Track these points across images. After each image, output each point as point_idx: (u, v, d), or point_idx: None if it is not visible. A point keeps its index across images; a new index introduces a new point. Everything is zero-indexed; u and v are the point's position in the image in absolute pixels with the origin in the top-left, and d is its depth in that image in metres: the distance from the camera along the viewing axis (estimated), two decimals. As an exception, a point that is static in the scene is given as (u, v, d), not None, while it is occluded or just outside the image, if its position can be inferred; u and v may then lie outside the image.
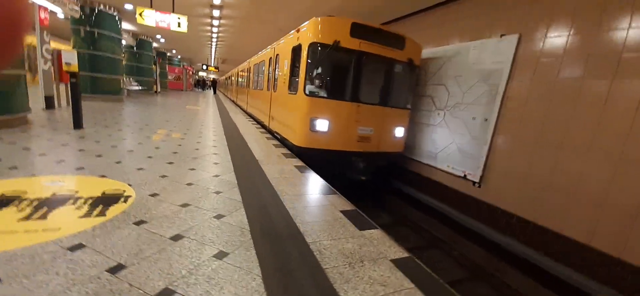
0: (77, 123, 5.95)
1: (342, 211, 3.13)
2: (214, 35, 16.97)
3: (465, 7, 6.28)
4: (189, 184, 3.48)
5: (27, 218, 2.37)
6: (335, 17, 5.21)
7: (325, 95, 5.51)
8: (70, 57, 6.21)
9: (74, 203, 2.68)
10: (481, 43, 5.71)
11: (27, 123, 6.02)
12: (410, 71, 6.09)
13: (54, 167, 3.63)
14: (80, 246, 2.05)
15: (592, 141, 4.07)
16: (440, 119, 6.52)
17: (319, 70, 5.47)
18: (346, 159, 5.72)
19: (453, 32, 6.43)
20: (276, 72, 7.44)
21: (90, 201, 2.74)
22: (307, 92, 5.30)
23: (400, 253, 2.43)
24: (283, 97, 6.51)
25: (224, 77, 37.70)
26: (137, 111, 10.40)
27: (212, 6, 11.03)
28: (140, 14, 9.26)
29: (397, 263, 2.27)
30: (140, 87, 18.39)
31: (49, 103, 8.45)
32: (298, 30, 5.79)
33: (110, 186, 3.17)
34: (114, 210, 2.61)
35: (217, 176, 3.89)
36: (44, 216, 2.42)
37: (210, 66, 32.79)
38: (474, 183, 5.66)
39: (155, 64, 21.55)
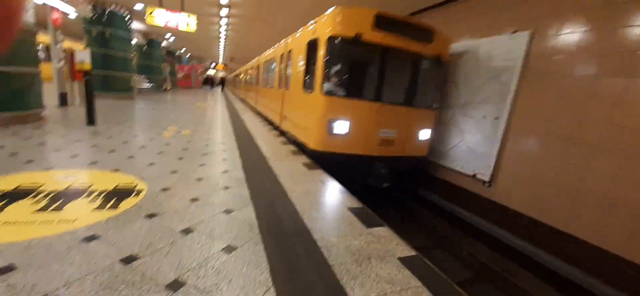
0: (90, 120, 6.09)
1: (349, 208, 3.14)
2: (222, 33, 17.14)
3: (475, 3, 6.19)
4: (199, 179, 3.53)
5: (43, 209, 2.44)
6: (357, 8, 4.67)
7: (344, 94, 5.04)
8: (84, 56, 6.34)
9: (88, 196, 2.75)
10: (492, 40, 5.63)
11: (41, 119, 6.18)
12: (438, 68, 5.52)
13: (69, 161, 3.72)
14: (94, 238, 2.11)
15: (607, 141, 3.97)
16: (450, 117, 6.45)
17: (338, 66, 4.98)
18: (366, 164, 5.25)
19: (463, 29, 6.34)
20: (289, 69, 6.95)
21: (103, 195, 2.81)
22: (324, 91, 4.80)
23: (408, 251, 2.42)
24: (297, 96, 6.02)
25: (232, 75, 37.89)
26: (147, 108, 10.58)
27: (220, 5, 11.14)
28: (150, 14, 9.40)
29: (405, 261, 2.27)
30: (150, 85, 18.67)
31: (63, 100, 8.66)
32: (315, 23, 5.27)
33: (122, 180, 3.24)
34: (126, 203, 2.67)
35: (226, 171, 3.94)
36: (59, 208, 2.49)
37: (219, 64, 33.08)
38: (484, 182, 5.59)
39: (164, 63, 21.85)
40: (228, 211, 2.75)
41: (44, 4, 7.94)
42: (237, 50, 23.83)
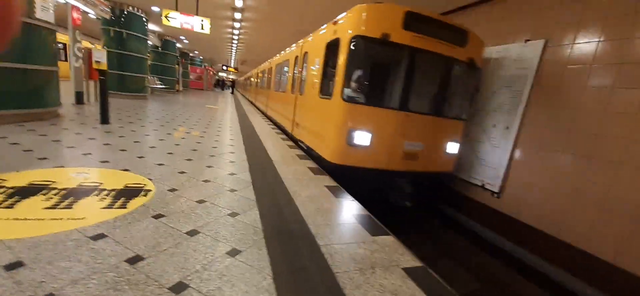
0: (104, 119, 6.24)
1: (354, 216, 3.11)
2: (235, 37, 17.37)
3: (487, 11, 6.12)
4: (206, 181, 3.56)
5: (54, 206, 2.49)
6: (385, 4, 4.24)
7: (367, 101, 4.54)
8: (101, 55, 6.52)
9: (97, 195, 2.80)
10: (504, 48, 5.54)
11: (57, 117, 6.36)
12: (471, 73, 5.04)
13: (81, 159, 3.81)
14: (102, 236, 2.14)
15: (624, 153, 3.85)
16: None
17: (362, 70, 4.47)
18: (389, 180, 4.88)
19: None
20: (303, 73, 6.55)
21: (113, 193, 2.86)
22: (345, 97, 4.36)
23: (413, 261, 2.38)
24: (312, 102, 5.58)
25: (242, 78, 38.32)
26: (160, 108, 10.78)
27: (234, 9, 11.31)
28: (166, 16, 9.62)
29: (409, 272, 2.23)
30: (163, 86, 19.04)
31: (79, 99, 8.91)
32: (335, 23, 4.84)
33: (132, 179, 3.29)
34: (134, 203, 2.71)
35: (232, 174, 3.96)
36: (69, 206, 2.54)
37: (230, 66, 33.53)
38: (492, 193, 5.48)
39: (178, 64, 22.27)
40: (233, 214, 2.76)
41: (66, 3, 8.20)
42: (249, 53, 24.10)
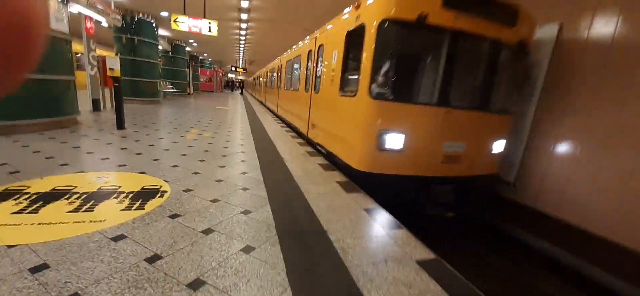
0: (120, 124, 6.43)
1: (365, 210, 3.11)
2: (242, 37, 17.54)
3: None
4: (219, 180, 3.63)
5: (76, 210, 2.60)
6: None
7: (400, 97, 3.92)
8: (114, 63, 6.72)
9: (116, 197, 2.90)
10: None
11: (76, 124, 6.60)
12: (521, 58, 4.30)
13: (100, 164, 3.95)
14: (122, 237, 2.23)
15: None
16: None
17: (393, 60, 3.74)
18: (426, 188, 4.18)
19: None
20: (319, 68, 5.92)
21: (131, 196, 2.96)
22: (373, 93, 3.71)
23: (426, 254, 2.37)
24: (331, 101, 4.97)
25: (251, 78, 38.57)
26: (172, 112, 11.01)
27: (240, 10, 11.42)
28: (174, 21, 9.80)
29: (423, 264, 2.22)
30: (174, 90, 19.42)
31: (96, 106, 9.20)
32: (357, 6, 4.16)
33: (148, 181, 3.40)
34: (151, 204, 2.80)
35: (244, 173, 4.03)
36: (90, 209, 2.65)
37: (239, 67, 33.86)
38: (508, 183, 5.35)
39: (188, 68, 22.66)
40: (246, 212, 2.81)
41: (79, 13, 8.47)
42: (257, 53, 24.29)
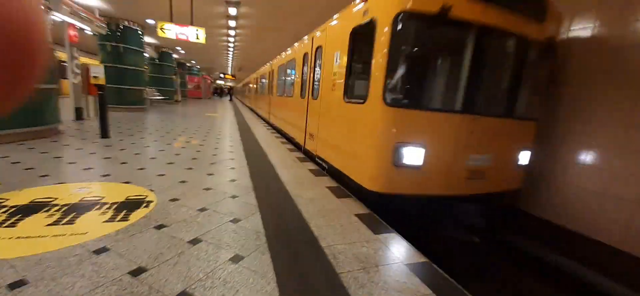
0: (104, 133, 6.26)
1: (356, 215, 3.10)
2: (231, 44, 17.46)
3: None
4: (207, 189, 3.56)
5: (56, 223, 2.50)
6: None
7: (419, 104, 3.53)
8: (98, 71, 6.55)
9: (99, 208, 2.80)
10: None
11: (58, 133, 6.39)
12: (548, 57, 3.89)
13: (82, 174, 3.82)
14: (104, 250, 2.14)
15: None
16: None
17: (410, 61, 3.27)
18: (449, 208, 3.83)
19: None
20: (317, 72, 5.39)
21: (114, 206, 2.86)
22: (388, 100, 3.19)
23: (417, 257, 2.37)
24: (334, 108, 4.44)
25: (240, 85, 38.24)
26: (159, 119, 10.81)
27: (229, 17, 11.38)
28: (161, 28, 9.67)
29: (413, 268, 2.22)
30: (161, 97, 19.12)
31: (79, 114, 8.95)
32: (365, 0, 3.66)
33: (133, 191, 3.30)
34: (136, 215, 2.71)
35: (233, 180, 3.96)
36: (71, 221, 2.55)
37: (227, 74, 33.66)
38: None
39: (175, 75, 22.38)
40: (235, 220, 2.76)
41: (62, 21, 8.27)
42: (246, 59, 24.22)
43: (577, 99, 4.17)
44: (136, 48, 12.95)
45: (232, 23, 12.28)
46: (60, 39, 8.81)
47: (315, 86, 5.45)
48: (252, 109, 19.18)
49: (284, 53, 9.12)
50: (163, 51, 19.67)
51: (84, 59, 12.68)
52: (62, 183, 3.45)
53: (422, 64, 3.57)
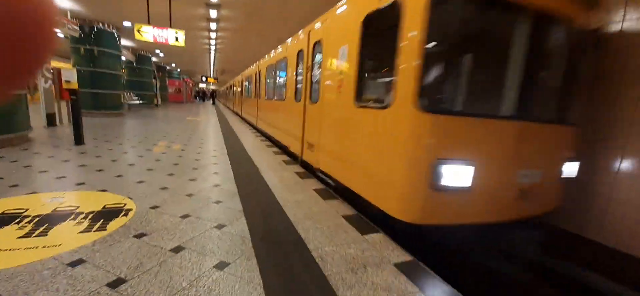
0: (78, 139, 5.98)
1: (344, 216, 3.11)
2: (212, 47, 17.16)
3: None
4: (190, 195, 3.47)
5: (28, 235, 2.36)
6: None
7: (466, 108, 2.94)
8: (70, 75, 6.25)
9: (74, 219, 2.67)
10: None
11: (28, 141, 6.05)
12: (595, 50, 3.33)
13: (55, 183, 3.63)
14: (80, 262, 2.04)
15: None
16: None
17: (451, 53, 2.81)
18: (500, 237, 3.14)
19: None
20: (316, 71, 4.72)
21: (90, 216, 2.73)
22: (423, 104, 2.50)
23: (404, 256, 2.40)
24: (341, 114, 3.77)
25: (224, 88, 37.46)
26: (137, 124, 10.46)
27: (209, 20, 11.18)
28: (138, 31, 9.37)
29: (401, 267, 2.24)
30: (140, 102, 18.52)
31: (51, 121, 8.52)
32: None
33: (110, 200, 3.16)
34: (114, 224, 2.60)
35: (217, 185, 3.88)
36: (44, 233, 2.41)
37: (210, 77, 33.05)
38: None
39: (155, 78, 21.75)
40: (220, 226, 2.70)
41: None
42: (229, 62, 23.86)
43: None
44: (112, 51, 12.48)
45: (213, 26, 12.08)
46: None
47: (314, 88, 4.78)
48: (237, 113, 18.78)
49: (273, 51, 8.33)
50: (141, 54, 19.08)
51: (56, 63, 12.11)
52: (33, 193, 3.26)
53: (467, 57, 2.87)
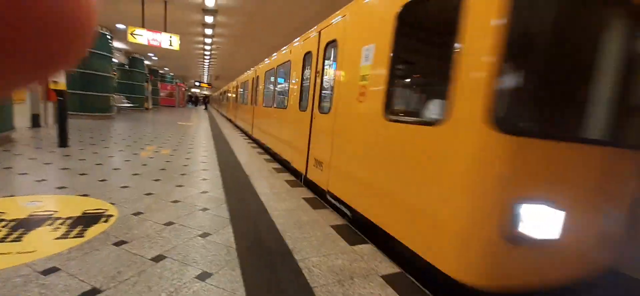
0: (63, 141, 5.82)
1: (332, 226, 3.06)
2: (207, 52, 17.12)
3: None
4: (175, 201, 3.37)
5: (1, 240, 2.24)
6: None
7: (560, 130, 2.18)
8: (57, 75, 6.12)
9: (51, 224, 2.56)
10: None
11: (10, 142, 5.86)
12: None
13: (34, 187, 3.49)
14: (54, 270, 1.94)
15: None
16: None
17: (541, 54, 2.07)
18: None
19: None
20: (328, 76, 4.20)
21: (68, 222, 2.62)
22: (497, 121, 1.81)
23: (392, 268, 2.36)
24: (364, 128, 3.10)
25: (218, 93, 37.13)
26: (126, 128, 10.26)
27: (205, 25, 11.17)
28: (131, 33, 9.29)
29: (388, 279, 2.20)
30: (130, 105, 18.26)
31: (35, 121, 8.30)
32: None
33: (91, 205, 3.05)
34: (93, 231, 2.50)
35: (205, 192, 3.79)
36: (18, 238, 2.30)
37: (203, 82, 32.91)
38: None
39: (147, 82, 21.52)
40: (204, 235, 2.62)
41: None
42: (223, 68, 23.82)
43: None
44: (103, 53, 12.31)
45: (208, 31, 12.07)
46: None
47: (325, 96, 4.22)
48: (230, 120, 18.36)
49: (275, 54, 7.64)
50: (134, 57, 18.89)
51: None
52: (10, 196, 3.13)
53: (562, 59, 2.16)
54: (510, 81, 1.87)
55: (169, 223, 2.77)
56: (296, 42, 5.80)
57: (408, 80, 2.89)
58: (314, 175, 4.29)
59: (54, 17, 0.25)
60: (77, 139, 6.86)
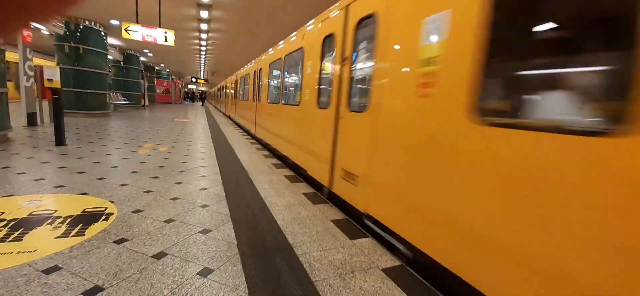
0: (60, 140, 5.79)
1: (332, 221, 3.08)
2: (203, 48, 16.97)
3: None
4: (175, 198, 3.38)
5: (2, 239, 2.25)
6: None
7: None
8: (53, 73, 6.06)
9: (51, 223, 2.56)
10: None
11: (7, 141, 5.82)
12: None
13: (33, 186, 3.48)
14: (56, 268, 1.95)
15: None
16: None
17: None
18: None
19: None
20: (362, 64, 3.46)
21: (69, 221, 2.62)
22: None
23: (392, 261, 2.38)
24: (436, 136, 2.16)
25: (215, 89, 36.80)
26: (123, 125, 10.21)
27: (200, 20, 11.06)
28: (126, 30, 9.18)
29: (389, 272, 2.22)
30: (127, 102, 18.13)
31: (32, 120, 8.23)
32: None
33: (91, 203, 3.05)
34: (93, 229, 2.50)
35: (204, 189, 3.80)
36: (19, 238, 2.30)
37: (200, 78, 32.69)
38: None
39: (143, 78, 21.35)
40: (205, 231, 2.63)
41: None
42: (220, 64, 23.64)
43: None
44: (98, 49, 12.18)
45: (204, 26, 11.95)
46: (12, 39, 8.09)
47: (356, 90, 3.53)
48: (229, 117, 17.50)
49: (281, 43, 6.58)
50: (129, 53, 18.70)
51: (39, 61, 11.74)
52: (9, 196, 3.12)
53: None
54: None
55: (169, 220, 2.78)
56: (309, 25, 4.87)
57: (524, 62, 1.98)
58: (343, 190, 3.47)
59: None
60: (74, 137, 6.82)
